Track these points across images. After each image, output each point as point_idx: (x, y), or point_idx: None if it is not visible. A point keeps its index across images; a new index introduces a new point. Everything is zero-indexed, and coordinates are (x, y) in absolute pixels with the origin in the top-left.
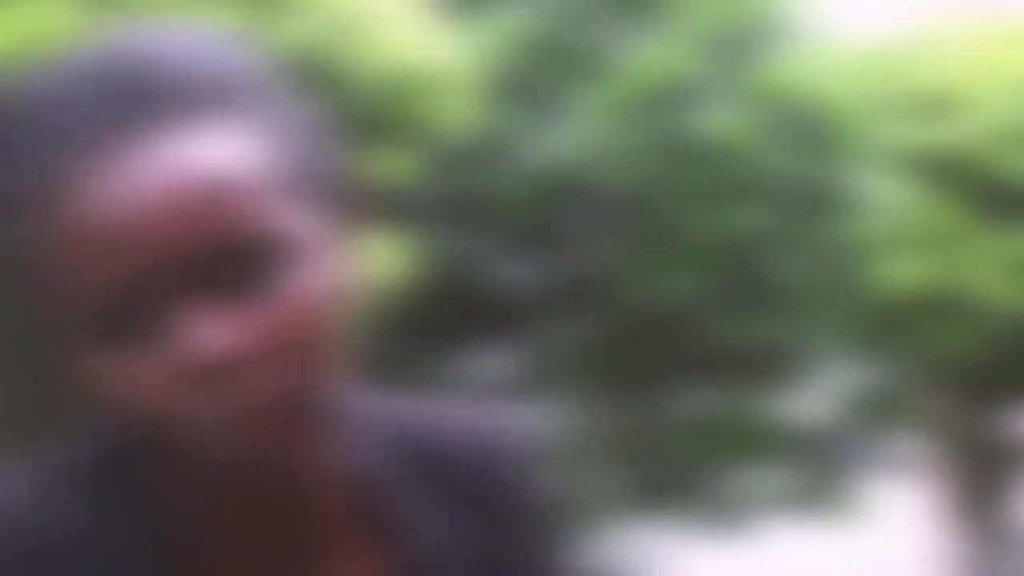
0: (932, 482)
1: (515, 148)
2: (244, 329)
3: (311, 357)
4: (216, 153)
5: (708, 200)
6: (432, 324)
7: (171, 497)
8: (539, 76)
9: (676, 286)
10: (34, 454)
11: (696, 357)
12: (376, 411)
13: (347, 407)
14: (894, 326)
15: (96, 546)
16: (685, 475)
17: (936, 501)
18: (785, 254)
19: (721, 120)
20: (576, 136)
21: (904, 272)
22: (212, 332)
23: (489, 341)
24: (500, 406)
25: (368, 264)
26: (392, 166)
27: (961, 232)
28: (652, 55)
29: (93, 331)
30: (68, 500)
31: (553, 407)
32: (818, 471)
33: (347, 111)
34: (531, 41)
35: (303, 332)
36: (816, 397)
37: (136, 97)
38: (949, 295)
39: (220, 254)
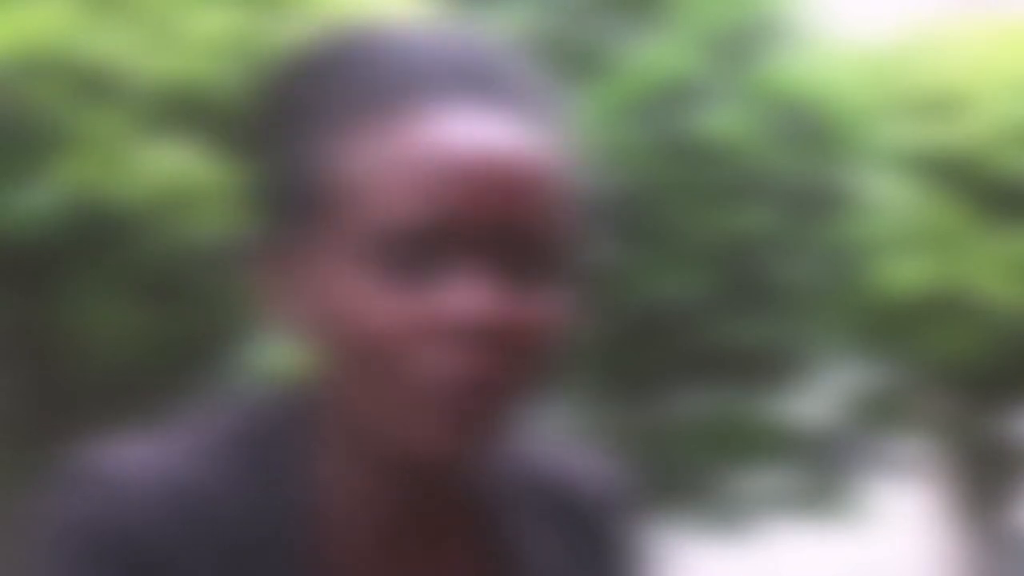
0: (934, 483)
1: None
2: (506, 309)
3: (535, 366)
4: (548, 154)
5: (709, 200)
6: None
7: (318, 472)
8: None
9: (677, 286)
10: (182, 418)
11: (697, 357)
12: (511, 443)
13: (509, 428)
14: (896, 327)
15: (250, 517)
16: (687, 475)
17: (938, 502)
18: (787, 254)
19: (722, 120)
20: (576, 136)
21: (906, 272)
22: (480, 298)
23: None
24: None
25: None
26: None
27: (963, 232)
28: (653, 55)
29: (376, 254)
30: (228, 470)
31: (554, 407)
32: (820, 472)
33: None
34: (532, 41)
35: (542, 340)
36: (818, 398)
37: (485, 75)
38: (951, 295)
39: (519, 236)
